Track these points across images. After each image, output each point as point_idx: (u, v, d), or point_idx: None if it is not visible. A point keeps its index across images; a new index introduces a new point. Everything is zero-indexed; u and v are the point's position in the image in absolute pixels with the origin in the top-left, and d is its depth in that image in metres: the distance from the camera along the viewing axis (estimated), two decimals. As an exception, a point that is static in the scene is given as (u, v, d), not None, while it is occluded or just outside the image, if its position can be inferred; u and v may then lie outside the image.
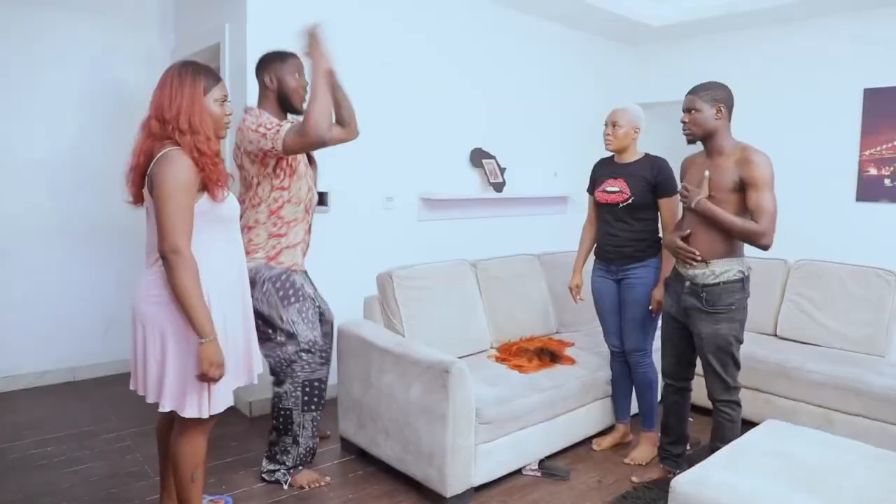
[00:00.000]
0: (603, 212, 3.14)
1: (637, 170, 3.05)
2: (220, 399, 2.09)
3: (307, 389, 2.73)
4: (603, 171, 3.18)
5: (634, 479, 2.99)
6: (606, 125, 3.09)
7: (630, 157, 3.10)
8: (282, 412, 2.74)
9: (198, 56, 3.96)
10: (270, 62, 2.69)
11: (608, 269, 3.16)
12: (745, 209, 2.55)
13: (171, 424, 2.21)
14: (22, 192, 3.88)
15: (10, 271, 3.87)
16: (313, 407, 2.77)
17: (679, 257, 2.66)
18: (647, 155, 3.11)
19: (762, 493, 1.88)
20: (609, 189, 3.08)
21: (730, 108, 2.65)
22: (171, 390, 2.03)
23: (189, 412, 2.04)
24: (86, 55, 4.03)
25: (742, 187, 2.53)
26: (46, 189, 3.96)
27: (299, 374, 2.71)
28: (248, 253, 2.64)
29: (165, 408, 2.04)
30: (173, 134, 1.97)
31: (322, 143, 2.52)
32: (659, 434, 3.21)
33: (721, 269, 2.58)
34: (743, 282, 2.61)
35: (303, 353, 2.70)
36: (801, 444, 2.21)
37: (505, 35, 4.63)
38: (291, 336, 2.68)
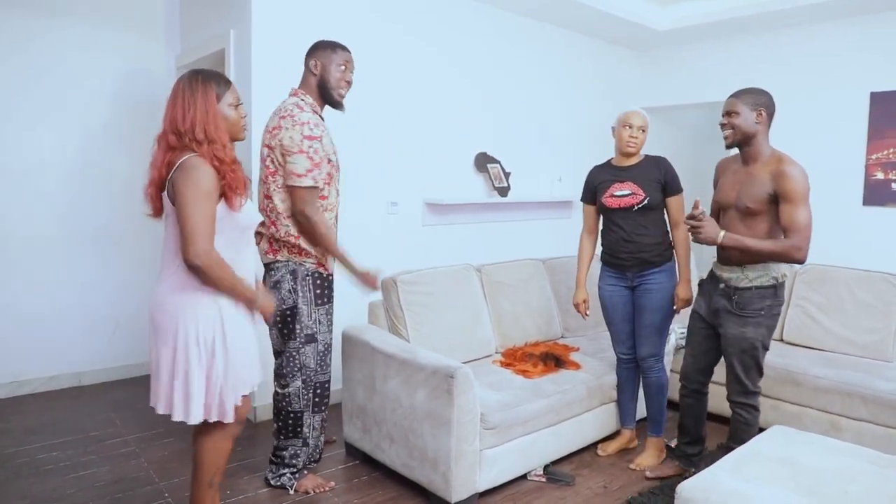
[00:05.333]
0: (614, 218, 3.06)
1: (644, 171, 3.02)
2: (229, 407, 2.08)
3: (318, 391, 2.75)
4: (604, 176, 3.11)
5: (649, 474, 3.01)
6: (631, 127, 2.99)
7: (633, 159, 3.07)
8: (290, 415, 2.73)
9: (203, 62, 3.99)
10: (321, 49, 2.66)
11: (622, 277, 3.09)
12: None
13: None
14: (27, 198, 3.90)
15: (16, 276, 3.89)
16: (323, 408, 2.79)
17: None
18: (646, 156, 3.09)
19: (768, 499, 1.87)
20: (619, 193, 3.01)
21: (770, 114, 2.62)
22: (179, 400, 2.02)
23: (194, 418, 2.03)
24: (90, 61, 4.05)
25: (777, 199, 2.51)
26: (52, 194, 3.98)
27: (312, 377, 2.72)
28: (298, 255, 2.64)
29: (176, 417, 2.02)
30: (190, 145, 1.99)
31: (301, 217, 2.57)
32: (665, 440, 3.21)
33: (755, 275, 2.58)
34: (776, 288, 2.60)
35: (319, 357, 2.72)
36: (808, 450, 2.19)
37: (510, 40, 4.64)
38: (311, 338, 2.69)
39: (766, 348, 2.65)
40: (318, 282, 2.68)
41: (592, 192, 3.16)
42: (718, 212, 2.77)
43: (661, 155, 3.14)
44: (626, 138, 3.00)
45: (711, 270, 2.79)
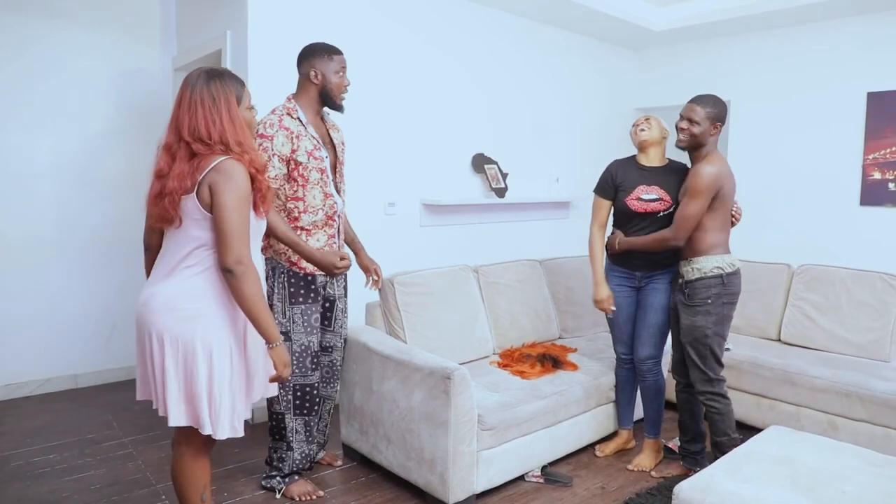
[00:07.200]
0: (636, 221, 2.97)
1: (672, 176, 2.96)
2: (239, 420, 2.03)
3: (299, 394, 2.75)
4: (631, 175, 2.99)
5: (654, 473, 3.04)
6: (637, 124, 3.00)
7: (659, 160, 3.01)
8: (275, 416, 2.75)
9: (199, 64, 3.98)
10: (317, 57, 2.66)
11: (631, 277, 3.05)
12: (710, 209, 2.72)
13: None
14: (25, 200, 3.89)
15: (12, 278, 3.88)
16: (305, 412, 2.77)
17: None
18: (671, 161, 3.03)
19: (766, 499, 1.87)
20: (646, 197, 2.94)
21: (723, 125, 2.79)
22: (203, 409, 1.94)
23: (206, 429, 1.95)
24: (87, 64, 4.04)
25: None
26: (49, 197, 3.97)
27: (290, 378, 2.72)
28: (275, 253, 2.68)
29: (181, 423, 1.95)
30: (228, 153, 1.91)
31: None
32: (662, 441, 3.22)
33: (699, 266, 2.76)
34: (723, 278, 2.73)
35: (296, 358, 2.71)
36: (805, 450, 2.19)
37: (507, 40, 4.63)
38: (286, 336, 2.69)
39: (720, 336, 2.78)
40: (293, 280, 2.69)
41: (613, 188, 3.04)
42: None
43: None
44: (636, 131, 2.99)
45: (676, 268, 2.94)
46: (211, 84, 1.93)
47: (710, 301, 2.73)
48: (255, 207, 2.00)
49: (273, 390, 2.20)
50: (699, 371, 2.80)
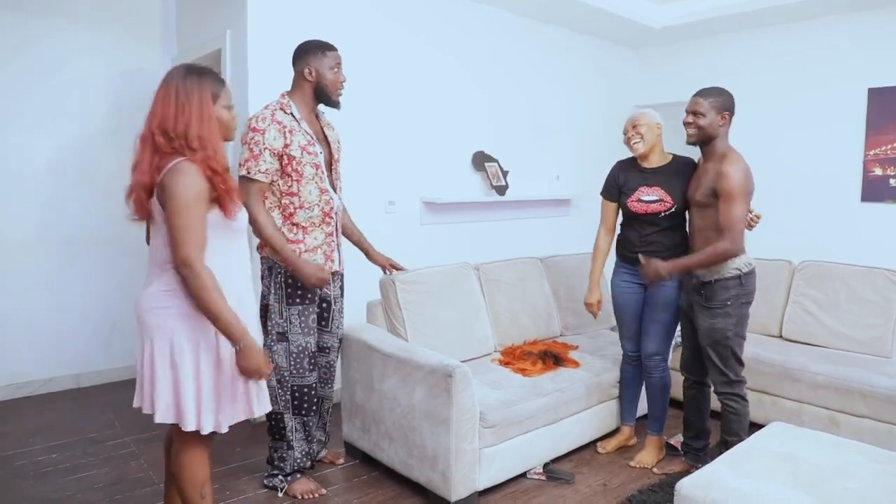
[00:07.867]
0: (638, 223, 2.98)
1: (673, 175, 2.92)
2: (226, 418, 2.01)
3: (297, 394, 2.75)
4: (632, 176, 3.00)
5: (656, 470, 3.04)
6: (626, 132, 2.97)
7: (660, 160, 2.98)
8: (274, 415, 2.75)
9: (199, 63, 3.98)
10: (311, 54, 2.66)
11: (637, 274, 3.01)
12: None
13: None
14: (23, 202, 3.89)
15: (12, 279, 3.88)
16: (303, 412, 2.78)
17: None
18: (675, 157, 3.00)
19: (768, 495, 1.87)
20: (646, 198, 2.93)
21: (732, 115, 2.72)
22: (188, 405, 1.93)
23: (189, 425, 1.94)
24: (87, 64, 4.04)
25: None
26: (49, 197, 3.97)
27: (288, 378, 2.72)
28: (273, 252, 2.67)
29: (168, 420, 1.95)
30: (182, 150, 1.89)
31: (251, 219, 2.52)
32: (664, 438, 3.21)
33: (718, 267, 2.68)
34: (740, 279, 2.68)
35: (293, 359, 2.71)
36: (807, 446, 2.19)
37: (507, 38, 4.63)
38: (283, 337, 2.70)
39: (740, 337, 2.74)
40: (290, 281, 2.68)
41: (616, 190, 3.05)
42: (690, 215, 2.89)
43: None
44: (628, 142, 2.98)
45: None
46: (187, 79, 1.94)
47: (729, 303, 2.68)
48: (224, 208, 1.95)
49: (252, 411, 2.12)
50: (720, 373, 2.75)
